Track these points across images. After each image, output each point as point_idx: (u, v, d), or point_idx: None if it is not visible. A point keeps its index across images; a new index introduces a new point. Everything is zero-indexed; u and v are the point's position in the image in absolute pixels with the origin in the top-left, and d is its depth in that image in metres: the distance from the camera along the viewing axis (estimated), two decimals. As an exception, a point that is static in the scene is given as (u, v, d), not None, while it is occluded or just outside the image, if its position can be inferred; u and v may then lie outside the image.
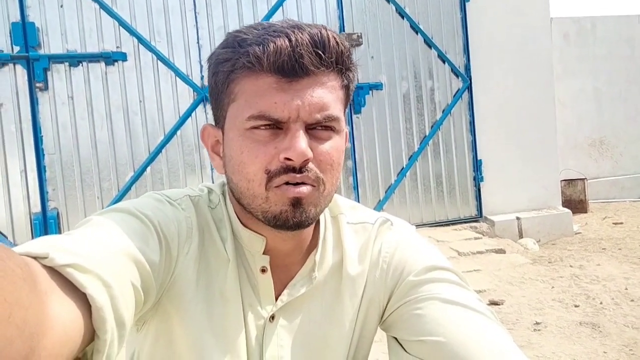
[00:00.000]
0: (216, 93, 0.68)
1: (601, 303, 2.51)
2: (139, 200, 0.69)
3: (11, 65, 3.32)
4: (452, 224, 4.24)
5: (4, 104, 3.33)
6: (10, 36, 3.32)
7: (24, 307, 0.37)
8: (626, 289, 2.69)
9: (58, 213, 3.42)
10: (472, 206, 4.35)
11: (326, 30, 0.62)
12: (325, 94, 0.63)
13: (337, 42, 0.63)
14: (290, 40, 0.60)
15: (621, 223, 4.60)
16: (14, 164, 3.34)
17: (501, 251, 3.55)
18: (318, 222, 0.76)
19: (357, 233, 0.78)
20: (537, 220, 4.24)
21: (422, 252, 0.75)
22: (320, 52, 0.61)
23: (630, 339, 2.11)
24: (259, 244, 0.70)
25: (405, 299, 0.70)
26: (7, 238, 3.31)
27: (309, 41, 0.60)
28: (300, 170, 0.62)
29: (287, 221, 0.63)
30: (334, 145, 0.65)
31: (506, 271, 3.13)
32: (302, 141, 0.61)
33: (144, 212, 0.63)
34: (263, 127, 0.62)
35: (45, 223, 3.37)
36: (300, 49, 0.60)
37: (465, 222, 4.25)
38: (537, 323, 2.33)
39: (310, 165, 0.63)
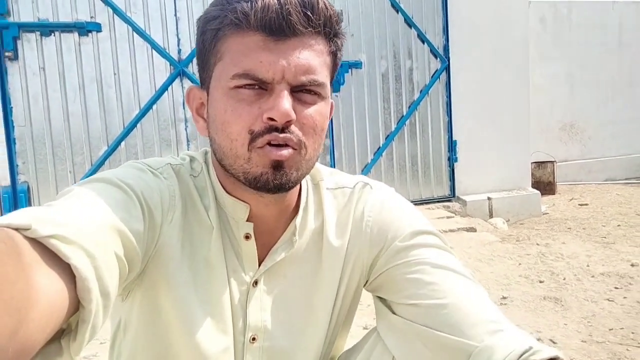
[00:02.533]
0: (203, 53, 0.67)
1: (564, 279, 2.63)
2: (120, 169, 0.69)
3: (-22, 32, 3.20)
4: (426, 203, 4.33)
5: (-29, 73, 3.21)
6: (-23, 2, 3.18)
7: (10, 282, 0.37)
8: (588, 265, 2.82)
9: (28, 187, 3.35)
10: (446, 186, 4.44)
11: None
12: (312, 57, 0.63)
13: (325, 6, 0.63)
14: None
15: (586, 204, 4.77)
16: (-18, 135, 3.24)
17: (472, 230, 3.66)
18: (301, 189, 0.77)
19: (337, 198, 0.80)
20: (507, 201, 4.37)
21: (406, 215, 0.77)
22: (308, 12, 0.61)
23: (589, 311, 2.23)
24: (243, 211, 0.71)
25: (394, 262, 0.72)
26: (-24, 211, 3.23)
27: (298, 1, 0.61)
28: (282, 130, 0.62)
29: (268, 183, 0.64)
30: (319, 110, 0.66)
31: (476, 249, 3.23)
32: (285, 102, 0.61)
33: (125, 181, 0.63)
34: (248, 87, 0.62)
35: (15, 197, 3.30)
36: (289, 7, 0.60)
37: (438, 202, 4.34)
38: (504, 297, 2.43)
39: (293, 127, 0.63)
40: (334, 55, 0.68)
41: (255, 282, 0.73)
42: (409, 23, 4.25)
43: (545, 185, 5.35)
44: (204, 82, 0.69)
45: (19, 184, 3.33)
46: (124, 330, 0.75)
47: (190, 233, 0.71)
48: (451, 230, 3.59)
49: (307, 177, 0.78)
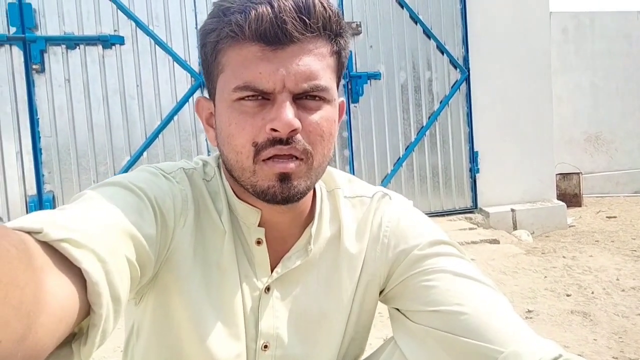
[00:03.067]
0: (206, 65, 0.67)
1: (592, 293, 2.54)
2: (133, 173, 0.68)
3: (7, 46, 3.30)
4: (448, 214, 4.26)
5: (0, 85, 3.30)
6: (7, 17, 3.29)
7: (20, 286, 0.37)
8: (617, 279, 2.72)
9: (54, 196, 3.41)
10: (468, 197, 4.37)
11: None
12: (313, 62, 0.61)
13: (324, 7, 0.61)
14: (272, 7, 0.58)
15: (615, 217, 4.63)
16: (9, 145, 3.32)
17: (495, 242, 3.58)
18: (315, 196, 0.76)
19: (355, 207, 0.78)
20: (531, 213, 4.27)
21: (424, 226, 0.75)
22: (305, 17, 0.59)
23: (620, 327, 2.14)
24: (254, 216, 0.70)
25: (411, 271, 0.70)
26: (2, 220, 3.30)
27: (293, 7, 0.59)
28: (287, 141, 0.61)
29: (275, 196, 0.63)
30: (324, 116, 0.64)
31: (500, 261, 3.15)
32: (288, 111, 0.59)
33: (138, 185, 0.62)
34: (250, 98, 0.61)
35: (41, 206, 3.36)
36: (283, 15, 0.58)
37: (460, 213, 4.27)
38: (529, 311, 2.35)
39: (298, 136, 0.62)
40: (337, 54, 0.66)
41: (268, 289, 0.72)
42: (428, 34, 4.24)
43: (571, 197, 5.22)
44: (211, 93, 0.69)
45: (45, 193, 3.40)
46: (136, 334, 0.74)
47: (203, 237, 0.70)
48: (474, 242, 3.52)
49: (322, 184, 0.77)
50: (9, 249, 0.37)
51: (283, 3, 0.58)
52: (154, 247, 0.60)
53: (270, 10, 0.58)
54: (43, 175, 3.40)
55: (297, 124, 0.60)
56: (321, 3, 0.61)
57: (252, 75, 0.60)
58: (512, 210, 4.25)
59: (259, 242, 0.71)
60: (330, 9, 0.62)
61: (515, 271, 2.96)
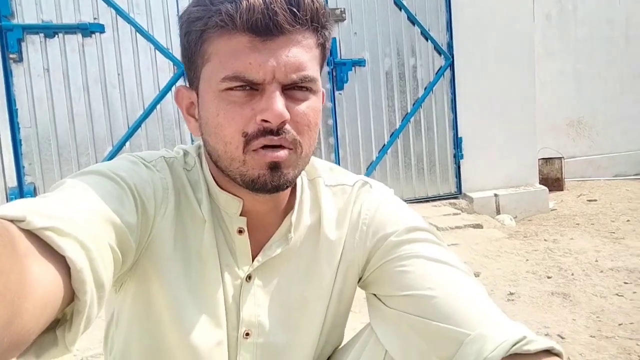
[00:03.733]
0: (189, 53, 0.66)
1: (572, 274, 2.60)
2: (114, 162, 0.68)
3: (-17, 35, 3.22)
4: (432, 200, 4.30)
5: (-24, 76, 3.23)
6: (-18, 5, 3.20)
7: (4, 273, 0.37)
8: (596, 261, 2.79)
9: (35, 187, 3.36)
10: (452, 183, 4.41)
11: None
12: (301, 54, 0.62)
13: (312, 0, 0.62)
14: None
15: (595, 200, 4.72)
16: (-12, 137, 3.26)
17: (479, 226, 3.63)
18: (295, 184, 0.76)
19: (336, 195, 0.79)
20: (514, 197, 4.33)
21: (402, 213, 0.76)
22: (294, 9, 0.60)
23: (598, 307, 2.20)
24: (236, 206, 0.71)
25: (388, 257, 0.71)
26: (-17, 213, 3.25)
27: None
28: (277, 132, 0.62)
29: (266, 185, 0.64)
30: (311, 106, 0.65)
31: (483, 245, 3.20)
32: (279, 102, 0.60)
33: (118, 173, 0.63)
34: (238, 88, 0.61)
35: (22, 197, 3.31)
36: (274, 6, 0.58)
37: (444, 199, 4.31)
38: (511, 293, 2.40)
39: (288, 126, 0.62)
40: (322, 46, 0.67)
41: (249, 277, 0.73)
42: (412, 20, 4.23)
43: (553, 182, 5.29)
44: (192, 82, 0.69)
45: (26, 185, 3.35)
46: (116, 322, 0.74)
47: (183, 226, 0.70)
48: (458, 227, 3.57)
49: (302, 172, 0.77)
50: None
51: None
52: (134, 234, 0.61)
53: (261, 1, 0.58)
54: (23, 167, 3.34)
55: (287, 114, 0.61)
56: None
57: (242, 66, 0.60)
58: (496, 195, 4.31)
59: (240, 231, 0.72)
60: (317, 1, 0.63)
61: (498, 255, 3.02)
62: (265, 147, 0.62)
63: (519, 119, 4.51)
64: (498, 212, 4.26)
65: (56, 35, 3.37)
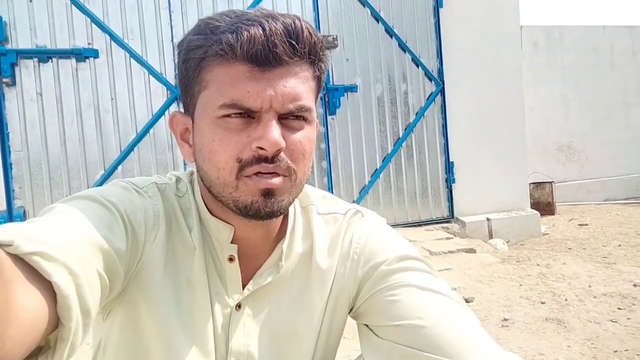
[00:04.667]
0: (186, 80, 0.67)
1: (566, 300, 2.59)
2: (105, 187, 0.68)
3: (-23, 59, 3.23)
4: (425, 224, 4.30)
5: (-32, 99, 3.22)
6: (-24, 30, 3.22)
7: None
8: (589, 286, 2.78)
9: (24, 212, 3.32)
10: (444, 207, 4.42)
11: (300, 21, 0.62)
12: (298, 84, 0.63)
13: (310, 33, 0.63)
14: (264, 30, 0.59)
15: (586, 224, 4.74)
16: (-22, 161, 3.23)
17: (471, 251, 3.62)
18: (287, 212, 0.76)
19: (328, 223, 0.78)
20: (506, 222, 4.35)
21: (393, 242, 0.76)
22: (293, 42, 0.61)
23: (593, 333, 2.18)
24: (227, 233, 0.70)
25: (378, 287, 0.70)
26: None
27: (283, 31, 0.60)
28: (272, 160, 0.62)
29: (259, 211, 0.63)
30: (306, 135, 0.65)
31: (476, 270, 3.19)
32: (275, 131, 0.61)
33: (109, 199, 0.62)
34: (235, 116, 0.62)
35: (11, 221, 3.27)
36: (274, 39, 0.59)
37: (437, 223, 4.31)
38: (505, 319, 2.38)
39: (282, 155, 0.63)
40: (318, 79, 0.68)
41: (239, 306, 0.71)
42: (403, 47, 4.31)
43: (544, 206, 5.33)
44: (188, 109, 0.69)
45: (15, 208, 3.31)
46: (103, 350, 0.72)
47: (174, 253, 0.69)
48: (450, 252, 3.56)
49: (295, 200, 0.78)
50: None
51: (274, 26, 0.60)
52: (123, 261, 0.60)
53: (261, 33, 0.59)
54: (13, 191, 3.31)
55: (282, 143, 0.61)
56: (308, 29, 0.62)
57: (240, 94, 0.61)
58: (488, 219, 4.32)
59: (231, 259, 0.71)
60: (315, 35, 0.64)
61: (491, 280, 3.01)
62: (259, 174, 0.62)
63: (509, 143, 4.56)
64: (490, 236, 4.26)
65: (50, 60, 3.39)
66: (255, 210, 0.63)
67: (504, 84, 4.55)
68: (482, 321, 2.39)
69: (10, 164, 3.30)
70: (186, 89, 0.68)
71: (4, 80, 3.27)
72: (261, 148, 0.61)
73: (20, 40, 3.32)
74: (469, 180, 4.42)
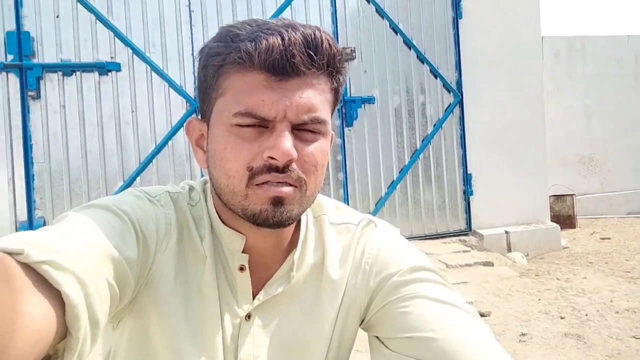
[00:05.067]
0: (204, 86, 0.67)
1: (586, 315, 2.52)
2: (118, 196, 0.68)
3: (4, 73, 3.34)
4: (442, 237, 4.25)
5: (-5, 112, 3.34)
6: (5, 45, 3.34)
7: None
8: (611, 301, 2.71)
9: (45, 222, 3.40)
10: (462, 220, 4.37)
11: (320, 32, 0.61)
12: (314, 96, 0.63)
13: (329, 45, 0.62)
14: (283, 39, 0.59)
15: (608, 238, 4.63)
16: (1, 171, 3.33)
17: (489, 264, 3.56)
18: (299, 222, 0.75)
19: (340, 234, 0.77)
20: (525, 235, 4.27)
21: (406, 253, 0.74)
22: (312, 53, 0.61)
23: (614, 349, 2.12)
24: (238, 242, 0.70)
25: (390, 298, 0.69)
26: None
27: (302, 41, 0.60)
28: (283, 170, 0.62)
29: (268, 220, 0.63)
30: (319, 147, 0.65)
31: (494, 284, 3.14)
32: (287, 141, 0.61)
33: (122, 208, 0.63)
34: (249, 125, 0.62)
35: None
36: (293, 49, 0.59)
37: (454, 236, 4.26)
38: (523, 334, 2.33)
39: (294, 165, 0.62)
40: (335, 91, 0.67)
41: (249, 316, 0.71)
42: (421, 59, 4.31)
43: (565, 219, 5.22)
44: (204, 115, 0.69)
45: (36, 219, 3.39)
46: (113, 359, 0.73)
47: (185, 262, 0.70)
48: (468, 265, 3.51)
49: (308, 210, 0.76)
50: None
51: (293, 36, 0.60)
52: (134, 270, 0.60)
53: (280, 42, 0.59)
54: (34, 201, 3.39)
55: (294, 154, 0.61)
56: (327, 40, 0.62)
57: (255, 102, 0.61)
58: (506, 232, 4.25)
59: (241, 269, 0.71)
60: (335, 47, 0.63)
61: (509, 294, 2.95)
62: (269, 182, 0.62)
63: (529, 155, 4.50)
64: (509, 249, 4.19)
65: (74, 74, 3.49)
66: (264, 219, 0.63)
67: (525, 95, 4.50)
68: (499, 336, 2.34)
69: (33, 175, 3.39)
70: (204, 95, 0.68)
71: (30, 93, 3.38)
72: (272, 158, 0.61)
73: (46, 54, 3.43)
74: (487, 193, 4.36)
